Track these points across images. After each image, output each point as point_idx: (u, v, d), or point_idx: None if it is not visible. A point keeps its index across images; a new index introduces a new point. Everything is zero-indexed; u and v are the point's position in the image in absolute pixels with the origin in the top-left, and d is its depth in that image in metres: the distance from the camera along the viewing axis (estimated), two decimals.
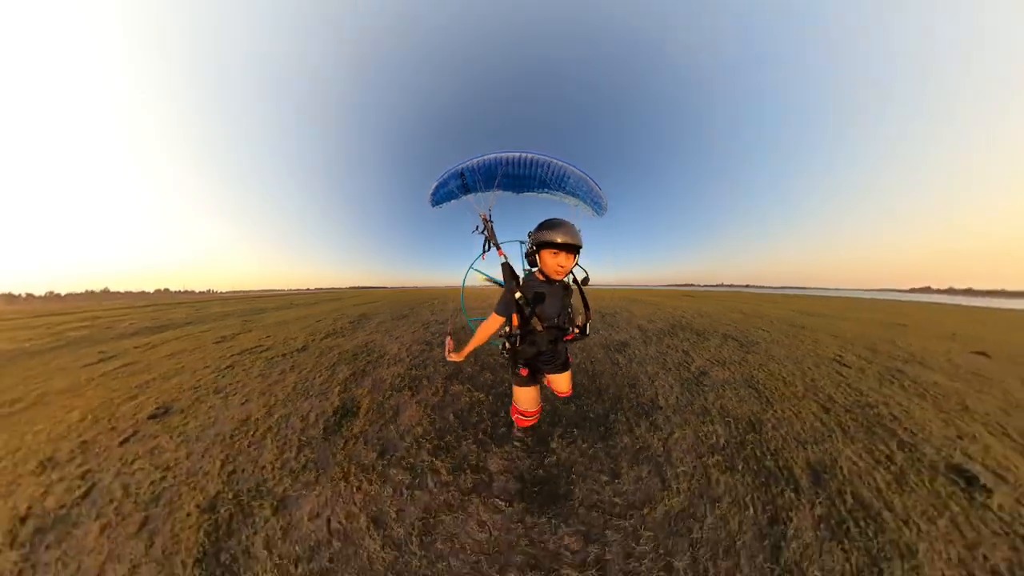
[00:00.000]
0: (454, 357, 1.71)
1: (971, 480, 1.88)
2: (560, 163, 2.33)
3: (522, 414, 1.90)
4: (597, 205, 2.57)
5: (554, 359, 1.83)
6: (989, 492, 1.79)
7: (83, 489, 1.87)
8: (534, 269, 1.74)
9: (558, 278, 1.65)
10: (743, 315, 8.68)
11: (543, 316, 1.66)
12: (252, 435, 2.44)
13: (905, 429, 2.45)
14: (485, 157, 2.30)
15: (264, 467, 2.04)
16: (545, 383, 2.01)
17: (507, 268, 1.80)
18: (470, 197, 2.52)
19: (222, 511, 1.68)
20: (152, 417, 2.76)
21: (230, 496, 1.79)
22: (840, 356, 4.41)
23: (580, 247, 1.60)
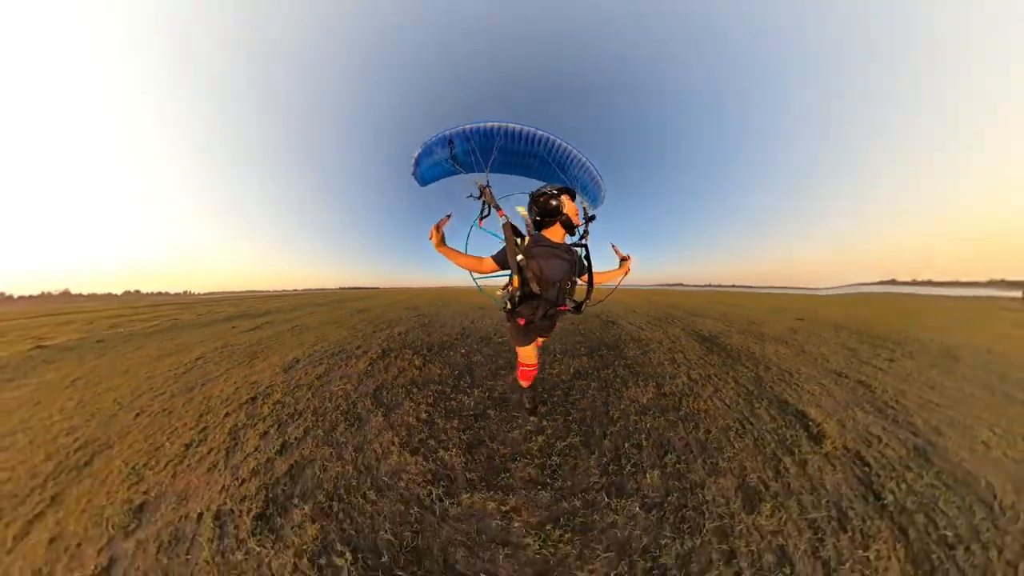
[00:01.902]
0: (435, 238, 1.64)
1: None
2: (564, 144, 2.10)
3: (524, 366, 2.11)
4: (595, 197, 2.38)
5: (545, 323, 1.87)
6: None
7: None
8: (542, 231, 1.74)
9: (572, 233, 1.74)
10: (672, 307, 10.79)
11: (544, 276, 1.61)
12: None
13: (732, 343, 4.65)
14: (479, 125, 2.02)
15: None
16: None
17: (509, 227, 1.66)
18: (462, 172, 2.23)
19: None
20: None
21: None
22: (716, 325, 6.33)
23: (572, 190, 1.71)
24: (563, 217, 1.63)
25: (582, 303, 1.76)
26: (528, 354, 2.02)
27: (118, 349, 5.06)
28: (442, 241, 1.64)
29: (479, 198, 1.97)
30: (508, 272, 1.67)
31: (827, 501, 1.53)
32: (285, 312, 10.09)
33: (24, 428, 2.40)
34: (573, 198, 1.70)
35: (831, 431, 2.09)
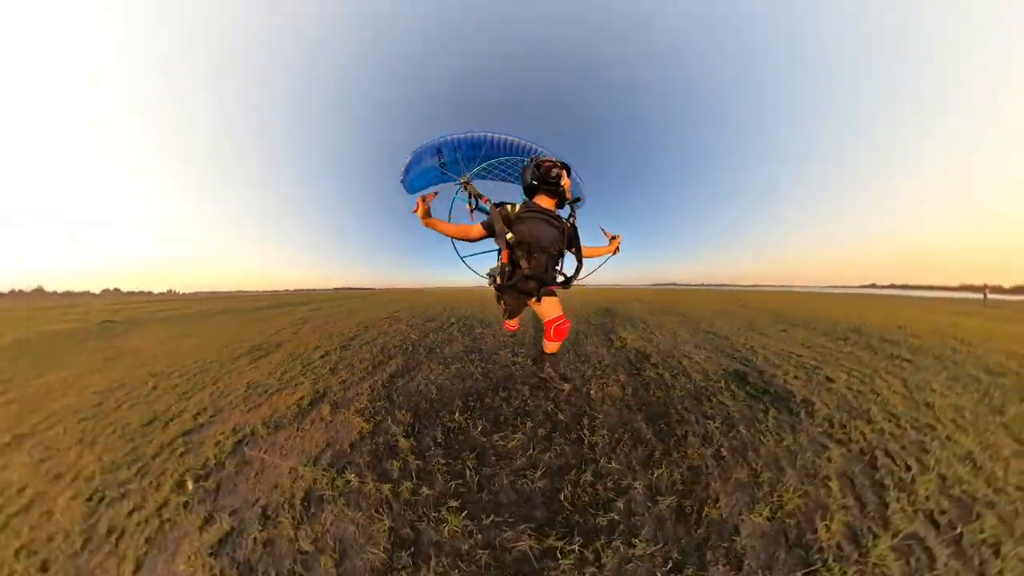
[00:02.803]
0: (420, 212, 1.65)
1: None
2: (544, 151, 2.26)
3: (507, 328, 2.53)
4: (576, 194, 2.54)
5: (537, 293, 1.87)
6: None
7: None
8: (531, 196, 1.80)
9: (562, 206, 1.80)
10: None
11: (534, 239, 1.66)
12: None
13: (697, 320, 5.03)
14: (466, 134, 2.17)
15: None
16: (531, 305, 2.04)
17: (495, 208, 1.71)
18: (449, 179, 2.35)
19: None
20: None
21: None
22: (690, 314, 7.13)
23: (570, 167, 1.77)
24: (560, 189, 1.68)
25: (571, 278, 1.83)
26: (511, 323, 2.42)
27: (205, 320, 7.52)
28: (427, 213, 1.66)
29: (464, 193, 2.10)
30: (495, 247, 1.78)
31: (612, 364, 2.88)
32: (324, 302, 14.00)
33: (196, 341, 4.82)
34: (569, 174, 1.74)
35: (639, 344, 3.63)
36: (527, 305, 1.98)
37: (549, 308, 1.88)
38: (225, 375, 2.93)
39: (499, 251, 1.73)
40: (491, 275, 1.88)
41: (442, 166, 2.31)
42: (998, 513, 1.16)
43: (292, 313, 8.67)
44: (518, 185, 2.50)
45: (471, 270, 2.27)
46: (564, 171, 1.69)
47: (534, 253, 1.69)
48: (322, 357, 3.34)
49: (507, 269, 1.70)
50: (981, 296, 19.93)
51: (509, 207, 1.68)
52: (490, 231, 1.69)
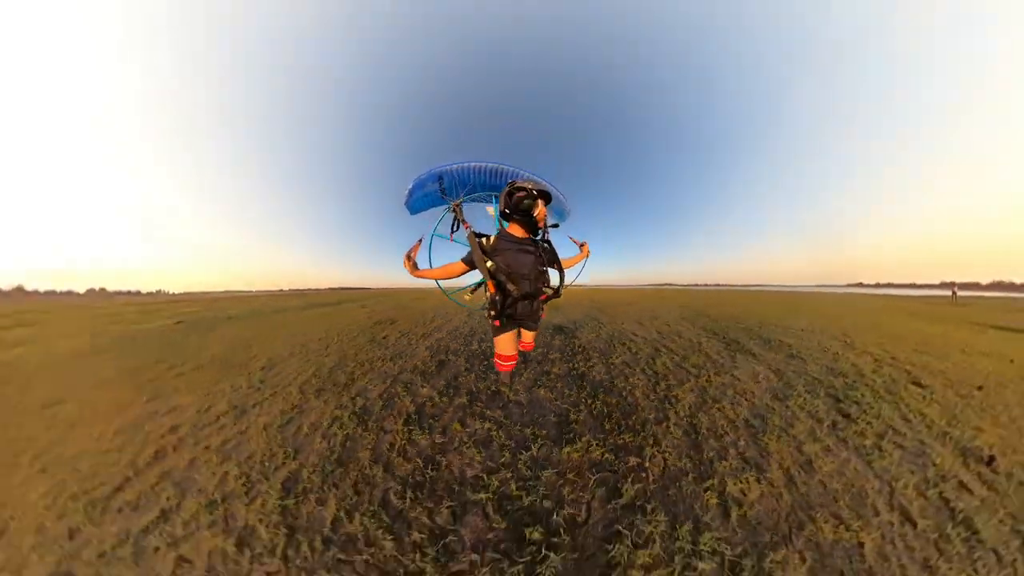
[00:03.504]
0: (408, 265, 1.72)
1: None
2: (528, 175, 2.61)
3: (501, 358, 1.98)
4: (560, 214, 2.89)
5: (531, 315, 1.87)
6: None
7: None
8: (506, 226, 1.78)
9: (534, 234, 1.76)
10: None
11: (513, 270, 1.66)
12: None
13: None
14: (464, 164, 2.51)
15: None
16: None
17: (473, 236, 1.75)
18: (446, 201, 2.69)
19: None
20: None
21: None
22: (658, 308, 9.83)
23: (548, 193, 1.69)
24: (531, 220, 1.66)
25: (558, 289, 1.88)
26: (506, 343, 1.96)
27: (269, 317, 8.52)
28: (415, 267, 1.73)
29: (452, 213, 2.41)
30: (478, 277, 1.88)
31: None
32: (352, 301, 16.50)
33: (329, 321, 7.16)
34: (548, 202, 1.72)
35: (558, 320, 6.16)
36: (526, 327, 2.00)
37: (529, 337, 2.14)
38: (385, 327, 5.69)
39: (485, 283, 1.74)
40: (484, 305, 1.87)
41: (442, 192, 2.63)
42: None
43: (358, 308, 10.95)
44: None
45: (459, 304, 2.61)
46: (541, 201, 1.65)
47: (517, 281, 1.70)
48: (432, 320, 6.48)
49: (496, 298, 1.69)
50: (951, 293, 20.88)
51: (484, 240, 1.70)
52: (470, 265, 1.72)
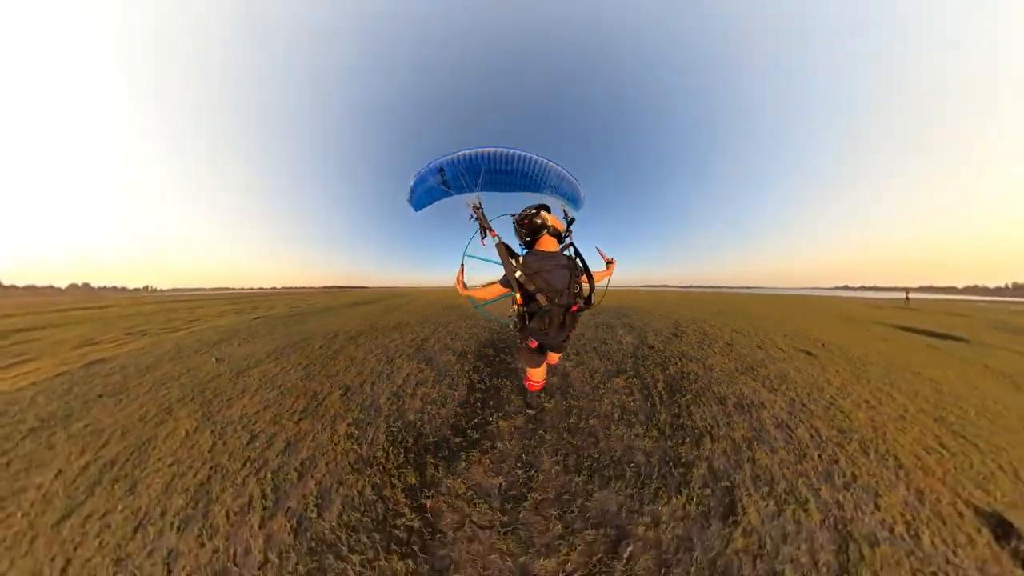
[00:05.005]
0: (459, 286, 1.96)
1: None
2: (540, 159, 2.45)
3: (532, 382, 2.20)
4: (575, 200, 2.66)
5: (559, 336, 1.87)
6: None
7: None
8: (532, 247, 1.90)
9: (561, 240, 1.91)
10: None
11: (552, 286, 1.70)
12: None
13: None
14: (465, 152, 2.28)
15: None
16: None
17: (502, 247, 1.81)
18: (453, 195, 2.34)
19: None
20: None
21: None
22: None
23: (547, 206, 1.90)
24: (550, 228, 1.79)
25: (589, 297, 1.91)
26: (538, 372, 2.10)
27: (342, 312, 9.74)
28: (464, 286, 1.96)
29: (475, 220, 2.22)
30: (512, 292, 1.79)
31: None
32: (386, 299, 17.20)
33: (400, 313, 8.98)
34: (549, 211, 1.83)
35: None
36: (555, 350, 2.04)
37: (556, 358, 2.43)
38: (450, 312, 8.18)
39: (513, 295, 1.77)
40: (512, 318, 1.91)
41: (444, 184, 2.31)
42: None
43: (407, 303, 13.13)
44: (521, 194, 2.56)
45: (487, 316, 2.38)
46: (544, 211, 1.80)
47: (552, 296, 1.72)
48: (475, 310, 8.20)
49: (524, 311, 1.76)
50: (904, 295, 23.36)
51: (515, 261, 1.77)
52: (507, 286, 1.77)
